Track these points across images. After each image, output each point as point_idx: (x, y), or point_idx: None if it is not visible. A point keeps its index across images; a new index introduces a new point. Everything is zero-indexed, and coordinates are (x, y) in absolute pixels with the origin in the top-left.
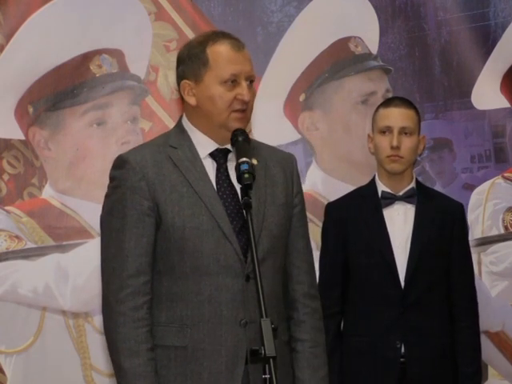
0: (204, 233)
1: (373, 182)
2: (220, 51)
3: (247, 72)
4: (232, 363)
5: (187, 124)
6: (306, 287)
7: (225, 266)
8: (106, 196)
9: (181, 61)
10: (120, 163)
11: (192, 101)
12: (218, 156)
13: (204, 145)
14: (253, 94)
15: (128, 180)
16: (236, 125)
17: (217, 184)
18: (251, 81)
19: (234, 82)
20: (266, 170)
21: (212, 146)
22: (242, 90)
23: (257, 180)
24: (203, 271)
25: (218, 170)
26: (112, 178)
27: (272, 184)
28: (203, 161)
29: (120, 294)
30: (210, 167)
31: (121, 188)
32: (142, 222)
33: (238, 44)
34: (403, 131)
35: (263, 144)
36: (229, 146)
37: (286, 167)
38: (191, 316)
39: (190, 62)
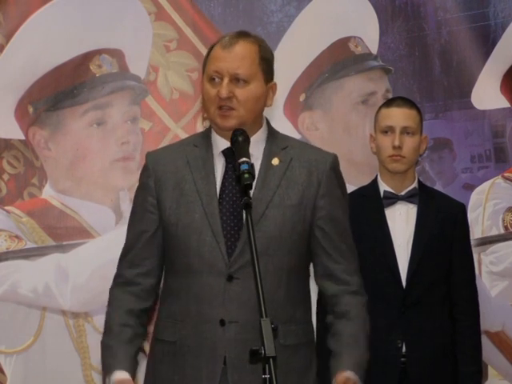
0: (193, 230)
1: (375, 182)
2: (213, 50)
3: (231, 69)
4: (212, 361)
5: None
6: (347, 286)
7: (208, 265)
8: None
9: None
10: (145, 161)
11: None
12: (228, 154)
13: (218, 143)
14: (245, 93)
15: (141, 177)
16: (220, 122)
17: (222, 183)
18: (244, 80)
19: (218, 79)
20: (287, 170)
21: (223, 144)
22: (221, 87)
23: (269, 180)
24: (191, 269)
25: (225, 168)
26: None
27: (287, 185)
28: (216, 159)
29: (116, 280)
30: (220, 166)
31: (137, 185)
32: (144, 217)
33: (230, 41)
34: (405, 131)
35: (301, 143)
36: None
37: (314, 168)
38: (181, 313)
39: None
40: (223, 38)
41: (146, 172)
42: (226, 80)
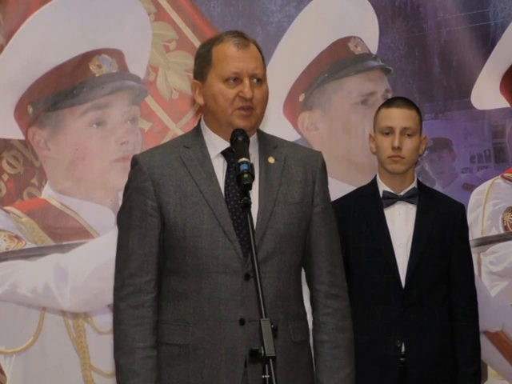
0: (204, 231)
1: (374, 182)
2: (223, 50)
3: (250, 70)
4: (231, 362)
5: (203, 124)
6: (327, 287)
7: (224, 265)
8: (122, 196)
9: (194, 61)
10: (132, 164)
11: (200, 100)
12: (229, 155)
13: (215, 144)
14: (262, 93)
15: (134, 180)
16: (240, 123)
17: (225, 183)
18: (258, 79)
19: (236, 79)
20: (284, 168)
21: (223, 145)
22: (244, 87)
23: (270, 179)
24: (203, 270)
25: (227, 169)
26: (128, 178)
27: (288, 183)
28: (214, 160)
29: (122, 292)
30: (220, 166)
31: (129, 188)
32: (145, 221)
33: (243, 42)
34: (405, 132)
35: (288, 142)
36: None
37: (308, 166)
38: (193, 315)
39: (198, 62)
40: (229, 37)
41: (140, 175)
42: (246, 80)
